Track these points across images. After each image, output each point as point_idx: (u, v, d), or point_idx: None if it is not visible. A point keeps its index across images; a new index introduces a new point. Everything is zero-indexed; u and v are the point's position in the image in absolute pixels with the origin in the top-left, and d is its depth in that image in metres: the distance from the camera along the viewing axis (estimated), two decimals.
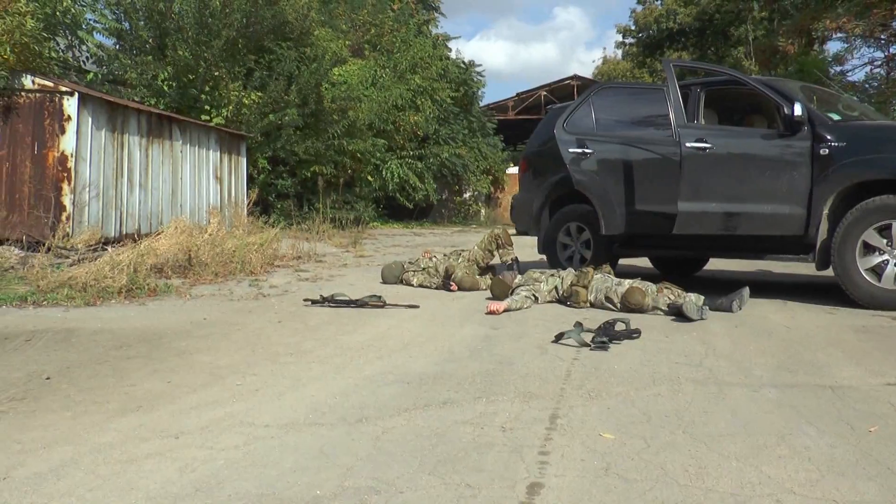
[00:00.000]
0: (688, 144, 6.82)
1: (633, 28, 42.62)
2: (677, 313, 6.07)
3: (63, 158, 9.24)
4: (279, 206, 16.15)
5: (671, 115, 7.15)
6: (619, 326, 5.29)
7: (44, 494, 2.49)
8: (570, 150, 7.79)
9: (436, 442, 2.95)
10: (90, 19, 14.83)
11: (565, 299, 6.69)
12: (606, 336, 5.02)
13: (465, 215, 25.85)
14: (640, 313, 6.15)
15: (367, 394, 3.69)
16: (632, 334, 5.20)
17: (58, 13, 11.86)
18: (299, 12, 16.13)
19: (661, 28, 39.23)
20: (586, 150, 7.75)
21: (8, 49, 9.03)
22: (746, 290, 6.60)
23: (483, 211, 27.00)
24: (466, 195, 26.54)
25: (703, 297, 6.21)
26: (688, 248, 7.74)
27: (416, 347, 4.86)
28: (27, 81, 9.41)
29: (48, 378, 4.01)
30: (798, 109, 6.49)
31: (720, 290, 6.81)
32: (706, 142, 6.84)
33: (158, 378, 4.02)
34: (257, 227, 11.58)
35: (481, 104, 28.20)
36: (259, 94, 15.04)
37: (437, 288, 7.66)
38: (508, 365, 4.33)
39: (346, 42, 19.06)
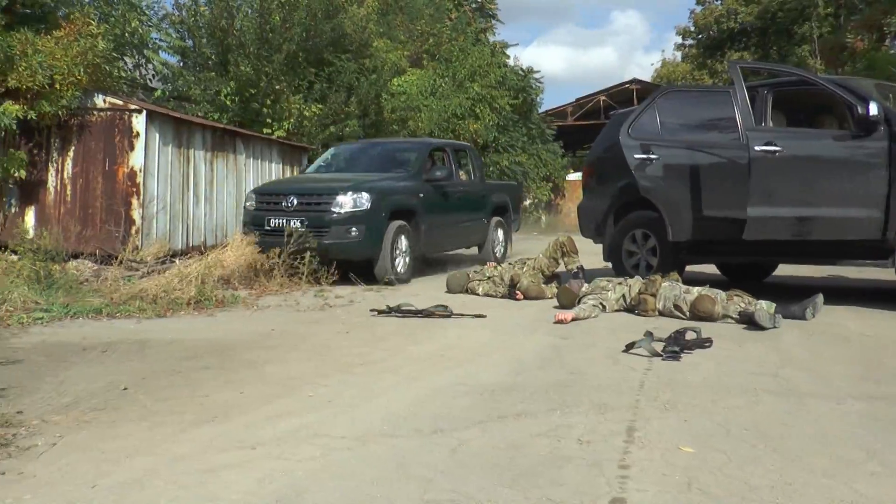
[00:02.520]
0: (756, 148, 6.67)
1: (692, 29, 41.94)
2: (749, 321, 5.93)
3: (132, 174, 9.49)
4: None
5: (738, 118, 7.02)
6: (690, 335, 5.19)
7: (129, 503, 2.54)
8: (635, 155, 7.69)
9: (513, 455, 2.93)
10: (156, 38, 15.27)
11: (633, 308, 6.59)
12: (678, 346, 4.92)
13: (525, 223, 25.70)
14: (710, 322, 6.03)
15: (441, 405, 3.68)
16: (703, 343, 5.10)
17: (126, 34, 12.20)
18: (358, 25, 16.27)
19: (722, 28, 38.51)
20: (651, 156, 7.64)
21: (81, 70, 9.31)
22: (820, 297, 6.42)
23: (544, 218, 26.75)
24: (527, 202, 26.35)
25: (774, 305, 6.06)
26: (758, 253, 7.56)
27: (486, 357, 4.85)
28: (98, 100, 9.70)
29: (125, 388, 4.10)
30: (874, 109, 6.30)
31: (791, 297, 6.63)
32: (775, 145, 6.68)
33: (231, 389, 4.07)
34: None
35: (540, 111, 27.99)
36: (319, 106, 15.20)
37: (502, 297, 7.62)
38: (580, 375, 4.28)
39: (405, 52, 19.16)
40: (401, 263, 8.92)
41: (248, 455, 2.98)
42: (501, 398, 3.79)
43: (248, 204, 9.49)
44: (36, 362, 4.70)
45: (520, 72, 25.72)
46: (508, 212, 12.06)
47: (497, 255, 11.18)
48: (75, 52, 9.32)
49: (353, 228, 8.45)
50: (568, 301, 6.80)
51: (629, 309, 6.64)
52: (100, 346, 5.21)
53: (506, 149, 23.69)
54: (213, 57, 15.45)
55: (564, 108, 30.92)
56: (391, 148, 11.26)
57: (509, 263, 8.13)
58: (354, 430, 3.27)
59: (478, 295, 7.77)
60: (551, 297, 7.37)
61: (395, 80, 18.20)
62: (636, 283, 6.79)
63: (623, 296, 6.73)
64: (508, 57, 26.95)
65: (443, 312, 6.37)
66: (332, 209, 8.53)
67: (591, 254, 8.80)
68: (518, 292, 7.48)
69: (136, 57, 13.89)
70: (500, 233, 11.70)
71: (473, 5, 29.07)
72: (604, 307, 6.60)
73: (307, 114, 14.88)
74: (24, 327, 5.79)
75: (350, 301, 7.38)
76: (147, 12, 14.38)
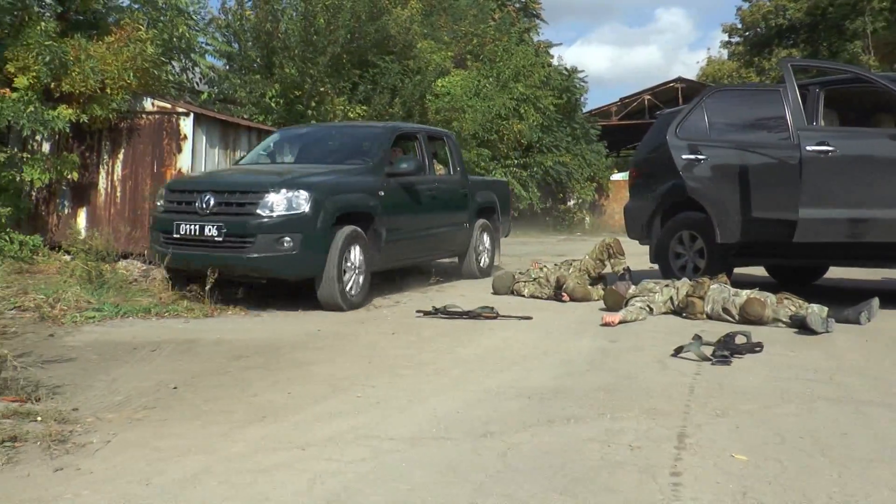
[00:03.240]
0: (808, 148, 6.53)
1: (739, 27, 41.37)
2: (800, 326, 5.81)
3: (180, 175, 9.63)
4: None
5: (789, 118, 6.92)
6: (740, 339, 5.10)
7: (184, 501, 2.57)
8: (683, 156, 7.58)
9: (564, 460, 2.90)
10: (202, 42, 15.51)
11: (681, 310, 6.50)
12: (727, 350, 4.85)
13: (569, 223, 25.54)
14: (759, 325, 5.92)
15: (489, 408, 3.67)
16: (754, 348, 5.00)
17: (174, 39, 12.41)
18: (402, 26, 16.33)
19: (770, 25, 37.90)
20: (699, 156, 7.52)
21: (131, 74, 9.49)
22: (876, 301, 6.26)
23: (587, 219, 26.58)
24: (570, 203, 26.22)
25: (826, 309, 5.93)
26: (809, 256, 7.40)
27: (534, 360, 4.82)
28: (147, 104, 9.88)
29: (175, 388, 4.15)
30: None
31: (844, 301, 6.48)
32: (828, 144, 6.53)
33: (279, 389, 4.10)
34: None
35: (584, 110, 27.87)
36: (364, 107, 15.29)
37: (548, 298, 7.57)
38: (629, 379, 4.24)
39: (449, 53, 19.19)
40: (352, 282, 6.99)
41: (298, 455, 2.99)
42: (550, 401, 3.77)
43: (157, 203, 7.50)
44: (89, 360, 4.79)
45: (564, 71, 25.60)
46: (496, 213, 10.21)
47: (482, 265, 9.69)
48: (125, 57, 9.50)
49: (287, 238, 6.51)
50: (614, 303, 6.74)
51: (677, 311, 6.56)
52: (149, 345, 5.29)
53: (550, 149, 23.58)
54: (258, 60, 15.65)
55: (609, 108, 30.66)
56: (349, 133, 9.24)
57: (555, 265, 8.07)
58: (404, 432, 3.28)
59: (524, 296, 7.73)
60: (598, 299, 7.31)
61: (440, 80, 18.25)
62: (684, 285, 6.70)
63: (670, 298, 6.64)
64: (552, 57, 26.85)
65: (489, 314, 6.35)
66: (260, 212, 6.58)
67: (637, 255, 8.71)
68: (564, 294, 7.43)
69: (184, 61, 14.12)
70: (486, 239, 9.89)
71: (517, 5, 28.99)
72: (651, 309, 6.53)
73: (351, 115, 14.98)
74: (77, 326, 5.91)
75: (396, 302, 7.40)
76: (194, 17, 14.62)
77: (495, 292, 7.97)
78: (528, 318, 6.36)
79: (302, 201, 6.62)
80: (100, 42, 9.69)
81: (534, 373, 4.44)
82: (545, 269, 7.96)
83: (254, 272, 6.80)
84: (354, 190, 7.34)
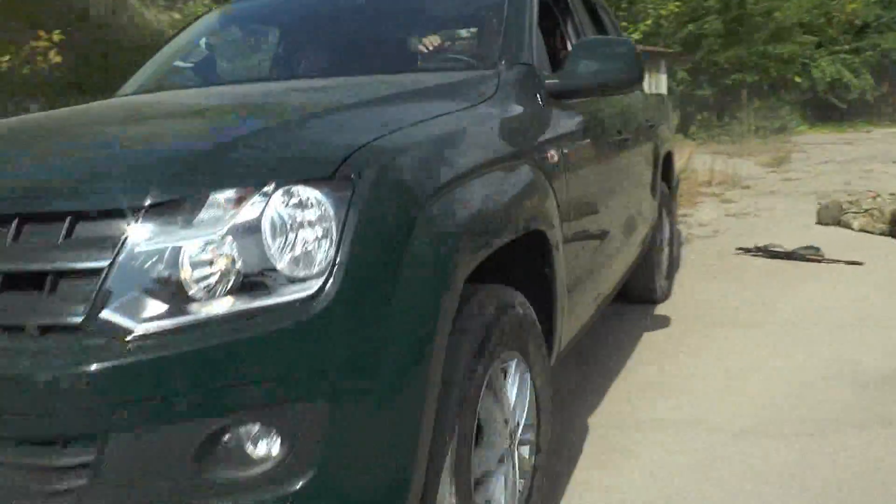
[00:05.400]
0: None
1: None
2: None
3: None
4: (698, 117, 15.68)
5: None
6: None
7: None
8: None
9: None
10: None
11: None
12: None
13: None
14: None
15: (816, 397, 3.33)
16: None
17: None
18: None
19: None
20: None
21: None
22: None
23: None
24: None
25: None
26: None
27: (868, 328, 4.24)
28: None
29: None
30: None
31: None
32: None
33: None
34: (675, 141, 11.46)
35: None
36: (677, 4, 14.44)
37: (881, 234, 6.81)
38: None
39: None
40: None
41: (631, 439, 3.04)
42: (889, 393, 3.33)
43: None
44: None
45: None
46: (672, 168, 5.40)
47: (664, 277, 5.08)
48: None
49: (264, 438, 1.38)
50: None
51: None
52: None
53: (890, 27, 20.57)
54: None
55: None
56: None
57: (892, 194, 7.24)
58: (726, 420, 3.13)
59: (852, 229, 7.04)
60: None
61: None
62: None
63: None
64: None
65: (814, 256, 5.93)
66: (109, 319, 1.33)
67: None
68: None
69: None
70: (666, 223, 5.13)
71: None
72: None
73: (664, 13, 14.26)
74: None
75: (714, 231, 7.15)
76: None
77: (819, 222, 7.41)
78: (859, 263, 5.78)
79: (313, 234, 1.43)
80: None
81: (864, 348, 3.92)
82: (879, 200, 7.17)
83: None
84: (503, 166, 2.10)
